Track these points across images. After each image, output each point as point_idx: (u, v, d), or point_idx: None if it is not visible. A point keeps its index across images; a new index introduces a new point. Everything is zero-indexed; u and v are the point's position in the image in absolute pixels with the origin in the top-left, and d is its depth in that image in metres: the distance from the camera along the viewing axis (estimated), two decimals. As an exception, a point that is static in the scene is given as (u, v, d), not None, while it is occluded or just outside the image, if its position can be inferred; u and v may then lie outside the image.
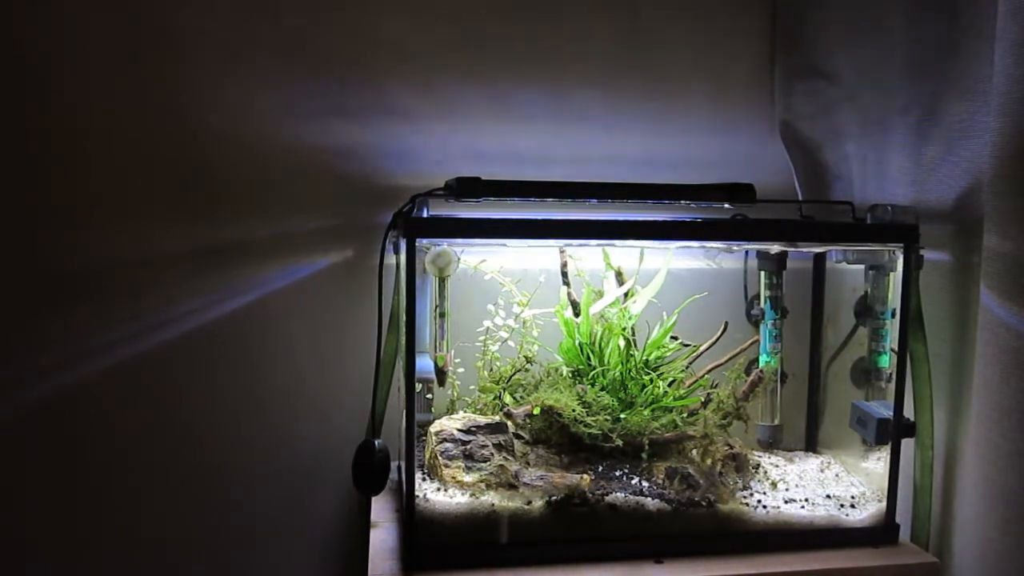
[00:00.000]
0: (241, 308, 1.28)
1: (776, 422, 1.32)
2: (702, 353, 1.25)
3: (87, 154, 1.21)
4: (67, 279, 1.21)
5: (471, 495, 1.05)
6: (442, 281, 1.23)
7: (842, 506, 1.13)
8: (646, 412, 1.16)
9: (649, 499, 1.07)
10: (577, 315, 1.23)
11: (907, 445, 1.11)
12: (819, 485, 1.18)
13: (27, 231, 1.20)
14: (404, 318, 1.01)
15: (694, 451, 1.17)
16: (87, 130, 1.20)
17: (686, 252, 1.25)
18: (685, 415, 1.18)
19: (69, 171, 1.20)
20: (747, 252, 1.32)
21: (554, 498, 1.05)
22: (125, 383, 1.24)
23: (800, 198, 1.40)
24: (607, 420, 1.14)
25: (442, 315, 1.23)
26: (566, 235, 1.09)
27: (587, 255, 1.27)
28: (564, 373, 1.22)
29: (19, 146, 1.18)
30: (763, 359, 1.29)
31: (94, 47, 1.20)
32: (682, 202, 1.12)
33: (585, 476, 1.08)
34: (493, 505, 1.04)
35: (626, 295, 1.23)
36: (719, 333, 1.24)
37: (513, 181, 1.09)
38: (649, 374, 1.20)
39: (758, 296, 1.30)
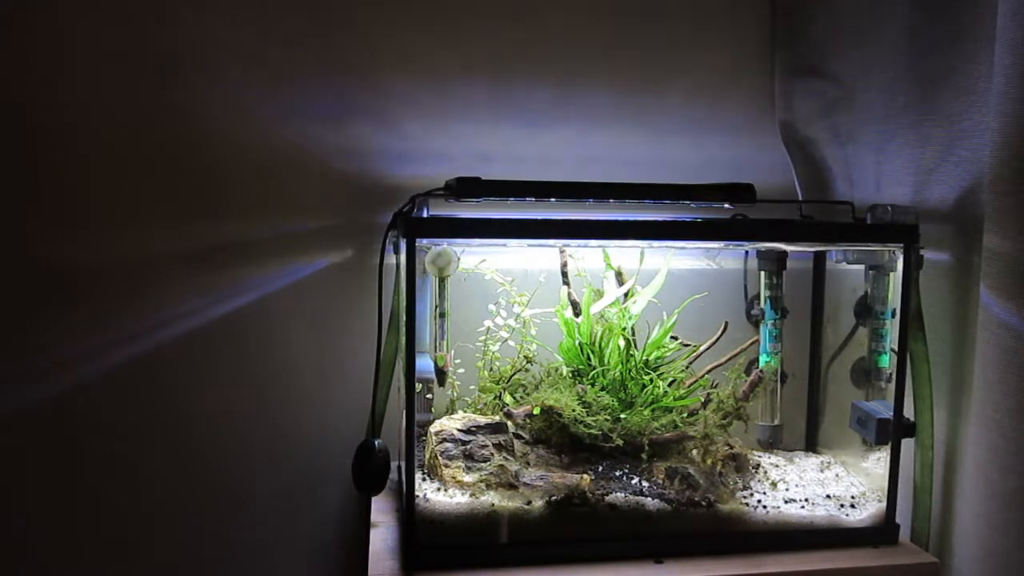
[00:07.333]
0: (241, 308, 1.28)
1: (776, 422, 1.32)
2: (702, 353, 1.25)
3: (87, 155, 1.21)
4: (66, 279, 1.21)
5: (471, 495, 1.05)
6: (442, 281, 1.23)
7: (842, 506, 1.13)
8: (646, 412, 1.16)
9: (649, 499, 1.07)
10: (577, 315, 1.23)
11: (907, 445, 1.11)
12: (819, 485, 1.18)
13: (27, 231, 1.20)
14: (404, 318, 1.01)
15: (694, 451, 1.17)
16: (87, 131, 1.20)
17: (686, 252, 1.26)
18: (685, 415, 1.18)
19: (69, 171, 1.20)
20: (747, 252, 1.32)
21: (554, 498, 1.05)
22: (125, 383, 1.24)
23: (800, 198, 1.40)
24: (607, 420, 1.14)
25: (442, 315, 1.23)
26: (566, 235, 1.09)
27: (587, 255, 1.27)
28: (564, 373, 1.22)
29: (19, 146, 1.18)
30: (763, 359, 1.29)
31: (93, 49, 1.20)
32: (682, 202, 1.13)
33: (585, 476, 1.08)
34: (493, 505, 1.04)
35: (626, 295, 1.24)
36: (719, 333, 1.24)
37: (513, 181, 1.09)
38: (649, 374, 1.20)
39: (758, 296, 1.30)
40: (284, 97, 1.27)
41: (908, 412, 1.11)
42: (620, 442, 1.13)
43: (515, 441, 1.15)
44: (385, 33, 1.29)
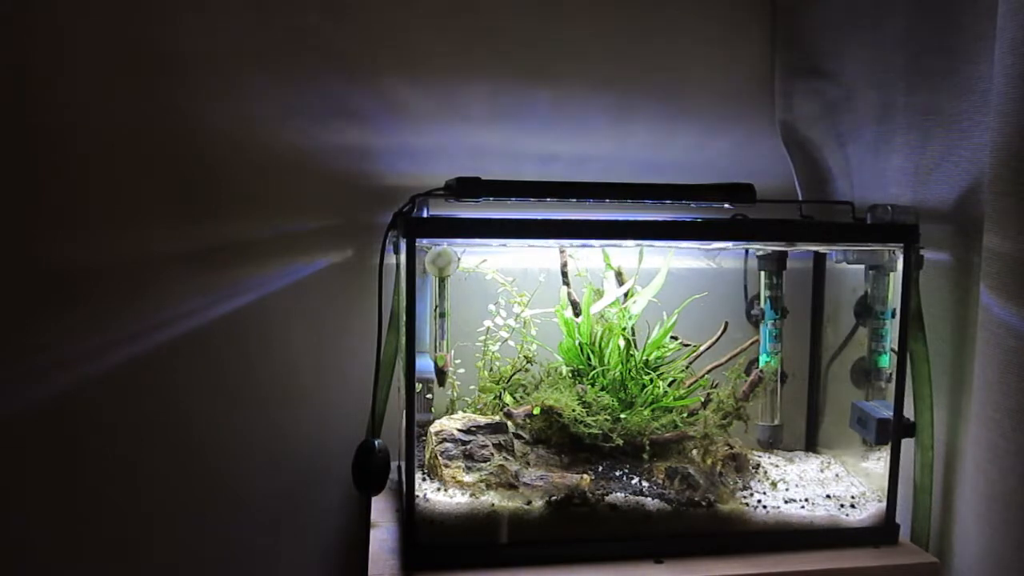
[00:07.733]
0: (241, 308, 1.28)
1: (776, 422, 1.32)
2: (702, 353, 1.25)
3: (87, 154, 1.21)
4: (66, 279, 1.21)
5: (471, 495, 1.05)
6: (442, 281, 1.23)
7: (842, 506, 1.13)
8: (646, 412, 1.16)
9: (649, 499, 1.07)
10: (577, 315, 1.23)
11: (907, 445, 1.11)
12: (819, 485, 1.18)
13: (27, 232, 1.20)
14: (404, 318, 1.01)
15: (694, 451, 1.17)
16: (87, 131, 1.20)
17: (686, 252, 1.26)
18: (685, 415, 1.18)
19: (69, 171, 1.20)
20: (747, 252, 1.32)
21: (554, 498, 1.05)
22: (125, 383, 1.24)
23: (800, 198, 1.40)
24: (607, 420, 1.14)
25: (442, 315, 1.23)
26: (566, 235, 1.09)
27: (587, 255, 1.27)
28: (564, 373, 1.22)
29: (19, 146, 1.18)
30: (763, 359, 1.29)
31: (94, 49, 1.20)
32: (682, 202, 1.13)
33: (585, 476, 1.08)
34: (493, 505, 1.04)
35: (626, 295, 1.23)
36: (719, 333, 1.24)
37: (513, 181, 1.09)
38: (649, 374, 1.20)
39: (758, 296, 1.30)
40: (284, 97, 1.27)
41: (908, 412, 1.11)
42: (620, 442, 1.13)
43: (515, 441, 1.15)
44: (385, 33, 1.29)
